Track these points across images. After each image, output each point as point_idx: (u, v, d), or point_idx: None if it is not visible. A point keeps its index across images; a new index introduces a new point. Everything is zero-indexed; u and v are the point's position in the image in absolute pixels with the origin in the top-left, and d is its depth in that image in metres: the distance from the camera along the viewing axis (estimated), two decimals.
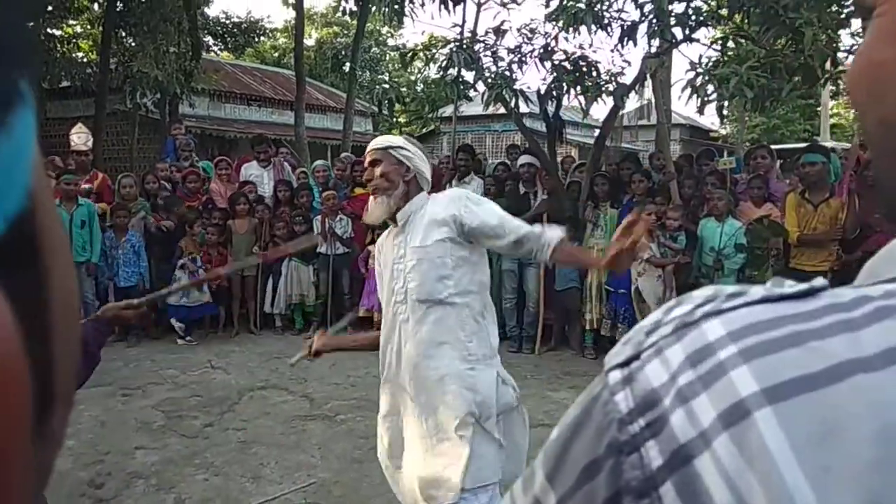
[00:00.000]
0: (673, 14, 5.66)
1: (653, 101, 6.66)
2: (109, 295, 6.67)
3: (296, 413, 4.59)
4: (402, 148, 2.19)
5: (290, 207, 6.95)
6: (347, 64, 18.96)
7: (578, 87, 6.22)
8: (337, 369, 5.59)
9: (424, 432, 2.14)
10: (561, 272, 6.12)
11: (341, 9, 13.72)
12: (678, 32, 5.79)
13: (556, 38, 6.31)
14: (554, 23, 6.15)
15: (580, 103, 6.50)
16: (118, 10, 14.13)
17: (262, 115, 19.20)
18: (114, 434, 4.19)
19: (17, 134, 0.19)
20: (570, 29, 5.93)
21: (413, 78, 24.40)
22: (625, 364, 0.38)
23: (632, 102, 7.04)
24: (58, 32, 16.54)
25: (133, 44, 14.33)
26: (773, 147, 6.68)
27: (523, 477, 0.43)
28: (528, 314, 6.29)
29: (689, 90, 5.50)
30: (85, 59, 16.36)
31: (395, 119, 20.63)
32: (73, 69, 14.75)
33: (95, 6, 16.08)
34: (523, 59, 6.46)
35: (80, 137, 6.75)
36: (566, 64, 6.28)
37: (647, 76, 6.11)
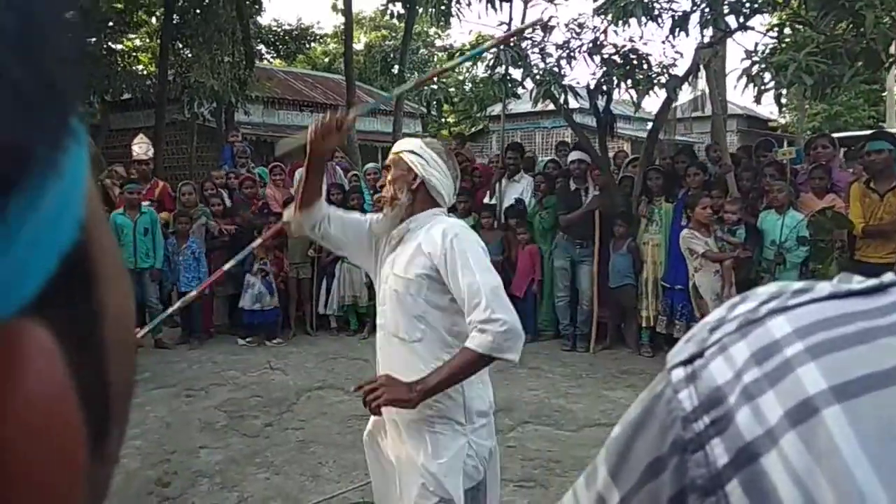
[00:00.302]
0: (726, 2, 5.50)
1: (707, 92, 6.49)
2: (173, 299, 6.90)
3: (352, 413, 4.65)
4: (413, 152, 1.90)
5: (342, 210, 7.05)
6: (396, 66, 19.10)
7: (629, 81, 6.12)
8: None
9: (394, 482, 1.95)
10: (615, 268, 6.03)
11: (389, 12, 13.86)
12: (732, 21, 5.63)
13: (605, 31, 6.22)
14: (603, 16, 6.07)
15: (631, 97, 6.40)
16: (175, 22, 14.59)
17: (313, 121, 19.51)
18: (179, 434, 4.32)
19: (68, 172, 0.19)
20: (620, 22, 5.83)
21: (461, 78, 24.41)
22: (688, 361, 0.38)
23: (685, 94, 6.89)
24: (119, 47, 17.19)
25: (189, 55, 14.78)
26: (835, 135, 6.44)
27: (586, 473, 0.43)
28: (582, 312, 6.22)
29: (744, 79, 5.34)
30: (144, 72, 16.96)
31: (444, 119, 20.67)
32: (133, 82, 15.32)
33: (153, 20, 16.66)
34: (572, 54, 6.39)
35: (141, 147, 7.00)
36: (616, 58, 6.19)
37: (701, 67, 5.96)
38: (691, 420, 0.35)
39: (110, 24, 15.44)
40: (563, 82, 6.38)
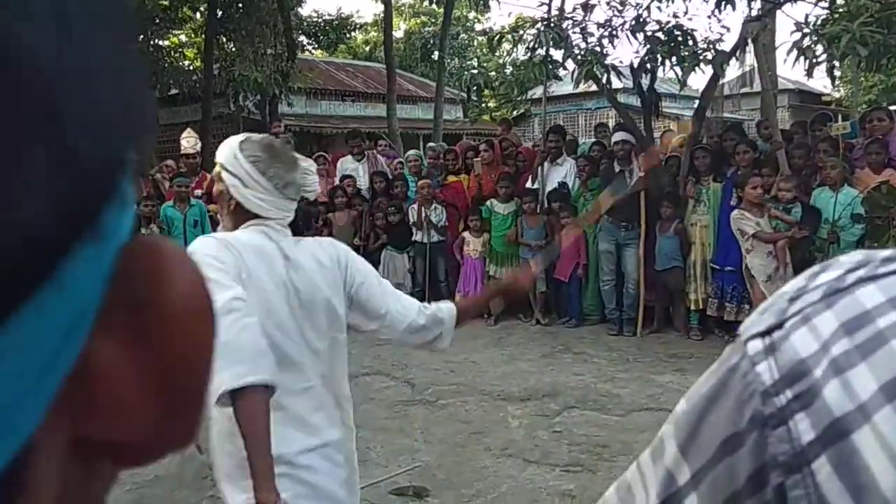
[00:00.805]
0: None
1: (756, 67, 6.28)
2: None
3: (398, 398, 4.70)
4: (226, 168, 1.62)
5: (386, 198, 7.10)
6: (436, 53, 19.07)
7: (674, 58, 5.99)
8: (436, 355, 5.67)
9: None
10: (661, 250, 5.92)
11: None
12: None
13: (647, 8, 6.10)
14: None
15: (676, 74, 6.25)
16: (219, 17, 14.83)
17: (356, 110, 19.66)
18: None
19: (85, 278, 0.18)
20: None
21: (502, 61, 24.19)
22: (766, 333, 0.36)
23: (733, 70, 6.68)
24: (165, 43, 17.57)
25: (233, 49, 15.02)
26: (892, 108, 6.16)
27: (651, 447, 0.42)
28: (628, 296, 6.13)
29: (795, 53, 5.16)
30: (190, 67, 17.31)
31: (484, 104, 20.55)
32: (180, 77, 15.66)
33: (198, 16, 16.97)
34: (614, 32, 6.27)
35: (188, 142, 7.17)
36: (660, 34, 6.05)
37: (749, 41, 5.77)
38: (772, 394, 0.34)
39: (156, 20, 15.77)
40: (606, 62, 6.26)
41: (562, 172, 6.84)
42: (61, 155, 0.16)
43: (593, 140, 7.93)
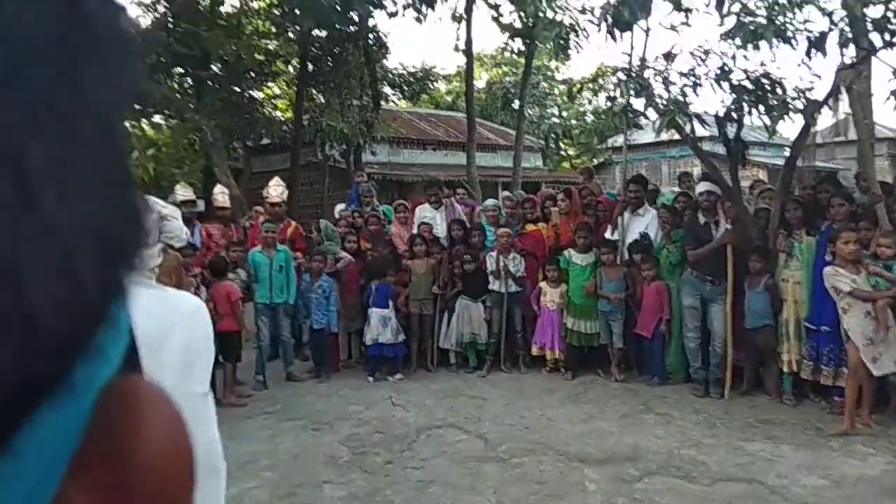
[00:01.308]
0: (869, 20, 5.08)
1: (851, 115, 5.98)
2: (304, 334, 7.23)
3: (471, 454, 4.61)
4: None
5: (464, 246, 7.12)
6: (516, 102, 19.25)
7: (762, 108, 5.79)
8: (511, 409, 5.56)
9: None
10: (751, 307, 5.64)
11: (509, 49, 14.03)
12: (876, 39, 5.19)
13: (733, 56, 5.93)
14: (730, 41, 5.80)
15: (765, 123, 6.03)
16: (309, 70, 15.55)
17: (436, 158, 20.02)
18: (305, 467, 4.46)
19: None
20: (749, 46, 5.55)
21: (582, 109, 24.18)
22: None
23: (826, 118, 6.40)
24: (259, 95, 18.55)
25: (322, 100, 15.67)
26: None
27: None
28: (715, 354, 5.84)
29: (893, 100, 4.88)
30: (282, 118, 18.16)
31: (564, 152, 20.51)
32: (271, 127, 16.43)
33: (290, 69, 17.85)
34: (697, 81, 6.13)
35: (275, 190, 7.46)
36: (747, 83, 5.88)
37: (842, 89, 5.52)
38: None
39: (252, 74, 16.68)
40: (689, 111, 6.13)
41: (643, 223, 6.67)
42: (25, 330, 0.17)
43: (677, 190, 7.72)
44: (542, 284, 6.81)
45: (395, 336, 6.63)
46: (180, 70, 15.24)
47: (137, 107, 17.57)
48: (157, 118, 19.71)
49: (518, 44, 13.75)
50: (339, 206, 9.78)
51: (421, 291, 6.88)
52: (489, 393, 6.09)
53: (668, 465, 4.29)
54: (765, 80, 5.84)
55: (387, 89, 23.03)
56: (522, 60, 16.77)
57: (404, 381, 6.59)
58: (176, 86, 13.82)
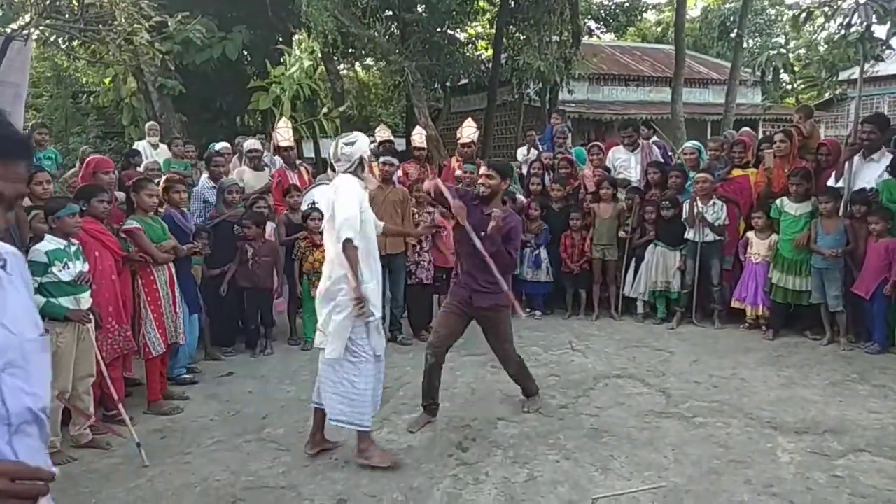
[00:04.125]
0: None
1: None
2: None
3: (650, 408, 4.43)
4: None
5: (660, 190, 6.72)
6: (735, 31, 17.46)
7: None
8: (699, 366, 5.24)
9: None
10: None
11: None
12: None
13: None
14: None
15: None
16: (510, 7, 15.34)
17: (639, 95, 18.98)
18: (481, 402, 4.59)
19: None
20: None
21: (814, 38, 21.33)
22: None
23: None
24: (461, 36, 18.74)
25: (521, 38, 15.44)
26: None
27: None
28: None
29: None
30: (482, 57, 18.24)
31: (789, 87, 18.33)
32: (469, 68, 16.58)
33: (492, 6, 17.76)
34: None
35: (467, 131, 7.55)
36: None
37: None
38: None
39: (454, 13, 16.84)
40: None
41: (877, 170, 5.78)
42: None
43: None
44: (750, 234, 6.24)
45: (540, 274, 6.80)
46: (388, 13, 15.81)
47: (351, 50, 18.54)
48: (368, 61, 20.85)
49: None
50: (522, 150, 9.69)
51: (605, 236, 6.64)
52: (677, 347, 5.78)
53: (879, 444, 3.80)
54: None
55: (591, 23, 22.09)
56: None
57: (586, 326, 6.48)
58: (383, 29, 14.36)
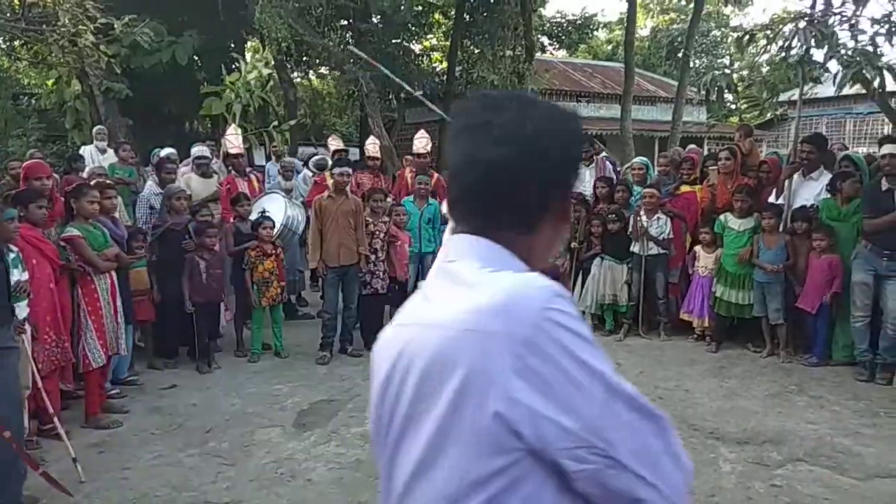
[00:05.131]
0: None
1: None
2: None
3: None
4: None
5: (607, 204, 6.85)
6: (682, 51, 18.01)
7: None
8: (645, 378, 5.33)
9: None
10: None
11: None
12: None
13: None
14: None
15: None
16: (465, 21, 15.47)
17: (590, 111, 19.32)
18: None
19: None
20: None
21: (756, 60, 22.16)
22: None
23: None
24: (416, 47, 18.81)
25: (476, 51, 15.58)
26: None
27: None
28: (886, 338, 5.20)
29: None
30: (437, 69, 18.33)
31: (732, 106, 18.96)
32: (424, 79, 16.63)
33: (447, 20, 17.90)
34: (893, 29, 5.35)
35: (420, 142, 7.57)
36: None
37: None
38: None
39: (410, 26, 16.90)
40: (879, 63, 5.37)
41: (815, 188, 6.01)
42: None
43: (864, 151, 6.86)
44: (697, 248, 6.41)
45: None
46: (343, 22, 15.75)
47: (305, 58, 18.35)
48: (322, 70, 20.71)
49: None
50: None
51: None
52: (624, 358, 5.88)
53: (816, 454, 3.93)
54: None
55: (543, 39, 22.45)
56: (692, 6, 15.58)
57: None
58: (338, 38, 14.31)
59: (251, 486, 3.58)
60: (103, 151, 8.49)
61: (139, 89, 12.44)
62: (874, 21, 5.42)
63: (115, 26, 7.59)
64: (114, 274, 4.61)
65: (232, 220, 6.37)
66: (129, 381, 5.20)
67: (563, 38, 23.56)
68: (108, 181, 5.81)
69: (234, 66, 8.38)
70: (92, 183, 5.30)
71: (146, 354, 5.71)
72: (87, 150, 8.44)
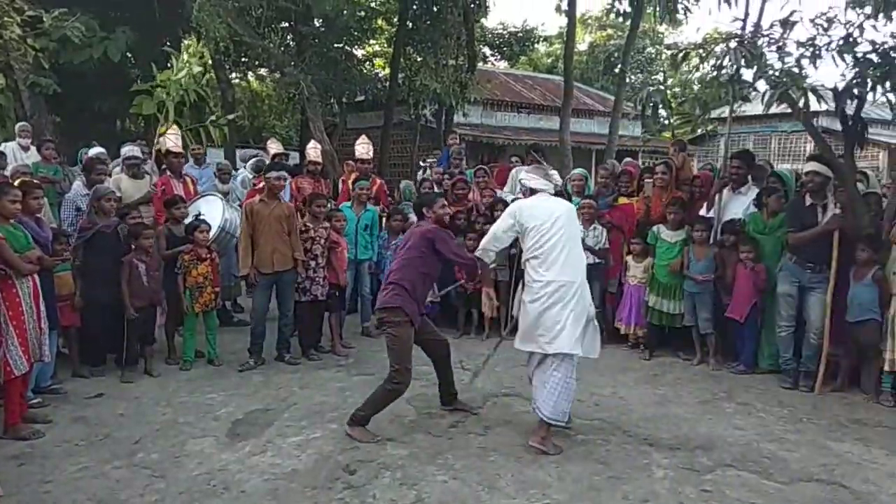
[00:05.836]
0: None
1: None
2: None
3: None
4: None
5: None
6: (619, 66, 18.53)
7: (888, 84, 5.24)
8: (581, 385, 5.39)
9: None
10: (855, 300, 5.22)
11: (614, 10, 13.43)
12: None
13: (860, 27, 5.38)
14: (859, 9, 5.26)
15: (890, 101, 5.48)
16: (408, 28, 15.49)
17: (530, 122, 19.64)
18: (371, 423, 4.51)
19: None
20: (881, 15, 5.01)
21: (689, 77, 23.00)
22: None
23: None
24: (359, 53, 18.71)
25: (418, 59, 15.62)
26: None
27: None
28: (809, 346, 5.46)
29: None
30: (379, 75, 18.28)
31: (666, 121, 19.63)
32: (366, 85, 16.56)
33: (390, 26, 17.88)
34: (817, 52, 5.61)
35: (363, 148, 7.51)
36: (873, 56, 5.33)
37: None
38: None
39: (352, 31, 16.80)
40: (804, 84, 5.63)
41: (744, 203, 6.27)
42: None
43: (788, 167, 7.18)
44: (628, 258, 6.56)
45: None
46: (284, 25, 15.53)
47: (244, 59, 17.98)
48: (262, 71, 20.34)
49: (624, 5, 13.11)
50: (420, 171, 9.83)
51: (498, 257, 6.76)
52: None
53: (744, 459, 4.07)
54: (894, 54, 5.28)
55: (485, 50, 22.72)
56: (629, 23, 16.06)
57: (476, 347, 6.55)
58: (278, 40, 14.09)
59: (181, 499, 3.45)
60: (26, 149, 8.11)
61: (68, 85, 11.94)
62: (800, 44, 5.67)
63: (45, 19, 7.25)
64: (37, 277, 4.38)
65: (163, 222, 6.16)
66: (53, 389, 4.95)
67: (505, 49, 23.93)
68: (35, 181, 5.54)
69: (168, 64, 8.11)
70: (16, 182, 5.03)
71: (71, 361, 5.45)
72: (8, 147, 8.03)
